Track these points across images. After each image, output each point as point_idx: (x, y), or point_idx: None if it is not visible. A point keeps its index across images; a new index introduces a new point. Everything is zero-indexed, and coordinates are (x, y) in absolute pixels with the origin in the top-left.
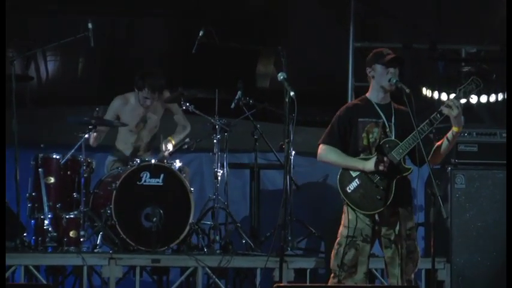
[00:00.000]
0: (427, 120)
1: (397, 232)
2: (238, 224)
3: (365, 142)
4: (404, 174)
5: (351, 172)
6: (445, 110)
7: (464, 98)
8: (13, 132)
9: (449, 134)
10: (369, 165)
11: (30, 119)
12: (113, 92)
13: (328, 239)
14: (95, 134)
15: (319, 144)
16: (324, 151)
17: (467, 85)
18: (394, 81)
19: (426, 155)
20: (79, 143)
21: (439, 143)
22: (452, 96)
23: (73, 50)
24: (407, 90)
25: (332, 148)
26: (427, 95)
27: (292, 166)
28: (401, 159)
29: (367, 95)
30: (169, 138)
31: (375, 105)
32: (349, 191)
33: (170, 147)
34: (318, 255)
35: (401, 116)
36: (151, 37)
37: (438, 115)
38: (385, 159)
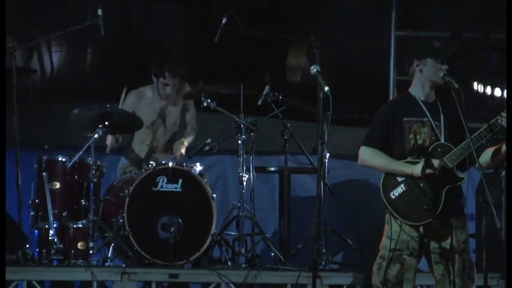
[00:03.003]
0: (486, 126)
1: (449, 246)
2: (266, 235)
3: (412, 144)
4: (455, 184)
5: (397, 177)
6: (503, 121)
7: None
8: (14, 132)
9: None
10: (419, 169)
11: (33, 117)
12: (126, 86)
13: (368, 252)
14: (110, 137)
15: (359, 147)
16: (366, 154)
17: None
18: (442, 74)
19: (477, 158)
20: (88, 144)
21: (495, 147)
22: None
23: (81, 40)
24: (456, 85)
25: (375, 151)
26: (479, 90)
27: (326, 170)
28: (454, 167)
29: (410, 90)
30: (182, 139)
31: (420, 103)
32: (393, 197)
33: (183, 150)
34: (355, 270)
35: (450, 115)
36: (168, 25)
37: (494, 124)
38: (437, 163)
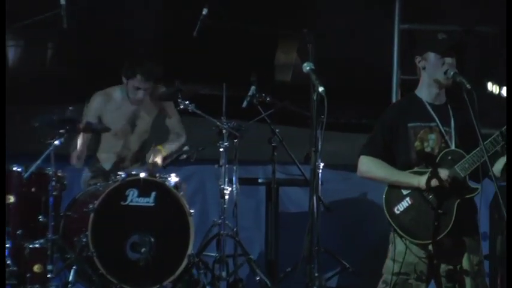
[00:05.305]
0: (498, 133)
1: (461, 268)
2: (251, 256)
3: (419, 152)
4: (469, 196)
5: (402, 189)
6: None
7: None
8: None
9: None
10: (425, 181)
11: None
12: (92, 87)
13: (367, 276)
14: (78, 147)
15: (359, 156)
16: (366, 164)
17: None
18: (452, 73)
19: (491, 167)
20: (47, 152)
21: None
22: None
23: (40, 33)
24: (468, 86)
25: (377, 160)
26: (494, 91)
27: (320, 182)
28: (466, 177)
29: (416, 91)
30: (158, 147)
31: (427, 106)
32: (397, 212)
33: (159, 159)
34: None
35: (461, 119)
36: (142, 17)
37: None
38: (445, 173)
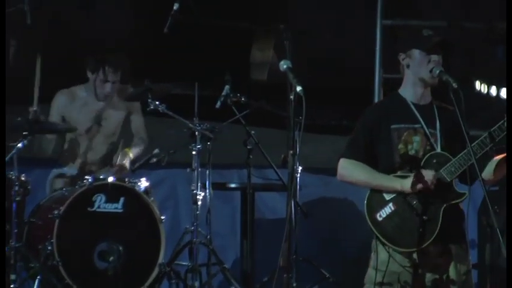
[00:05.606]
0: (486, 134)
1: (448, 278)
2: (225, 266)
3: (402, 155)
4: (455, 201)
5: (384, 194)
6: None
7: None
8: None
9: None
10: (410, 184)
11: None
12: (56, 86)
13: (348, 286)
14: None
15: (339, 159)
16: (347, 168)
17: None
18: (437, 71)
19: (479, 170)
20: (10, 155)
21: (501, 156)
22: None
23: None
24: (455, 85)
25: (358, 163)
26: (482, 90)
27: (298, 187)
28: (453, 181)
29: (400, 91)
30: (126, 150)
31: (411, 106)
32: (379, 218)
33: (127, 162)
34: None
35: (447, 121)
36: (110, 12)
37: (498, 130)
38: (430, 174)
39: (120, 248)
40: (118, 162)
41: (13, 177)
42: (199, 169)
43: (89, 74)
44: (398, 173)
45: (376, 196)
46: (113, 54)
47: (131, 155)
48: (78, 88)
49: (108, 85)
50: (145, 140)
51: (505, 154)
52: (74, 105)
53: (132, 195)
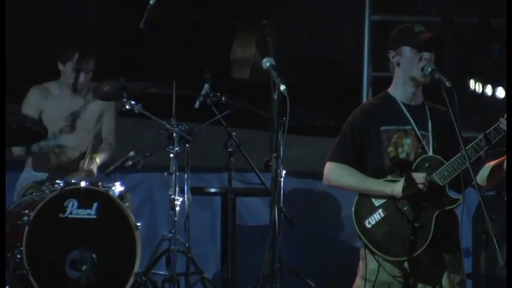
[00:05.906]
0: (481, 136)
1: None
2: (205, 275)
3: (393, 159)
4: (449, 207)
5: (373, 200)
6: (505, 125)
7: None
8: None
9: None
10: (401, 188)
11: None
12: (25, 84)
13: None
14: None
15: (325, 162)
16: (334, 172)
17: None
18: (429, 70)
19: (474, 175)
20: None
21: (495, 162)
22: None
23: None
24: (448, 84)
25: (345, 167)
26: (476, 89)
27: (282, 191)
28: (446, 186)
29: (390, 90)
30: (93, 155)
31: (402, 107)
32: (368, 225)
33: (94, 168)
34: None
35: (440, 122)
36: (81, 7)
37: (494, 132)
38: (421, 177)
39: (94, 256)
40: (85, 167)
41: None
42: (177, 173)
43: (61, 67)
44: (388, 177)
45: (364, 202)
46: (83, 43)
47: (98, 161)
48: (51, 84)
49: (82, 75)
50: (113, 147)
51: (498, 160)
52: (48, 102)
53: (106, 200)
